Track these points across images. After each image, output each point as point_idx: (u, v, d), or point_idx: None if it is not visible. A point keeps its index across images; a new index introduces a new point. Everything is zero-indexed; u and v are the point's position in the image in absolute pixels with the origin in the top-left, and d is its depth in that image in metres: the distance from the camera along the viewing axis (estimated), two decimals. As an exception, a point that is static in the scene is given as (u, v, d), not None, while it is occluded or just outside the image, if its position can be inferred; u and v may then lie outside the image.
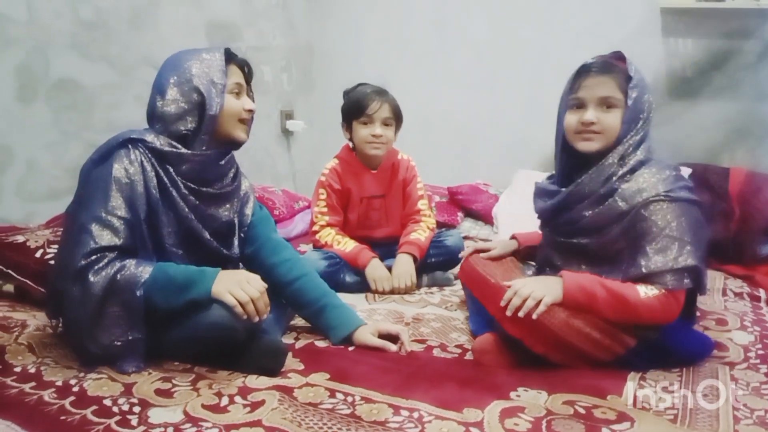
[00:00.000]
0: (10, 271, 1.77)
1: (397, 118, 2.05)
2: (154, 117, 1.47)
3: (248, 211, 1.64)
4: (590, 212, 1.46)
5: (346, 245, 2.05)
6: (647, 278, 1.38)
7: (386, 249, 2.10)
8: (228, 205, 1.57)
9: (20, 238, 1.83)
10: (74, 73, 2.24)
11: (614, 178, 1.44)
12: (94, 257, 1.33)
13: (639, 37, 2.62)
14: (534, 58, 2.91)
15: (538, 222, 1.68)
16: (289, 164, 3.27)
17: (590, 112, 1.44)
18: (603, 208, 1.44)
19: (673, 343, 1.42)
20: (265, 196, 2.62)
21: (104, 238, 1.35)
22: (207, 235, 1.52)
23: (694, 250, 1.38)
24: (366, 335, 1.54)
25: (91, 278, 1.32)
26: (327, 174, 2.10)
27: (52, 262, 1.65)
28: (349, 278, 2.00)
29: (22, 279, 1.76)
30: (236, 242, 1.60)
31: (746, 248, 2.21)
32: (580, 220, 1.48)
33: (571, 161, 1.53)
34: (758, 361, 1.48)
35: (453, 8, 3.05)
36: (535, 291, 1.36)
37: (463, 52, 3.06)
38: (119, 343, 1.35)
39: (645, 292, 1.37)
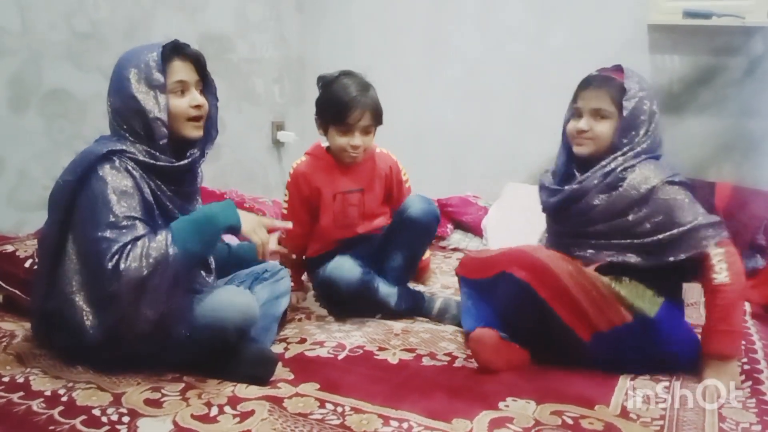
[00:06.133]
0: (-1, 281, 1.77)
1: (377, 121, 1.88)
2: (110, 123, 1.49)
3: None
4: (600, 201, 1.55)
5: None
6: (698, 247, 1.47)
7: (368, 244, 1.96)
8: (198, 197, 1.62)
9: (9, 248, 1.82)
10: (66, 83, 2.25)
11: (617, 171, 1.54)
12: (119, 252, 1.32)
13: (627, 53, 2.65)
14: (524, 72, 2.94)
15: (544, 215, 1.75)
16: (280, 175, 3.27)
17: (583, 121, 1.59)
18: (614, 196, 1.54)
19: (665, 327, 1.48)
20: (255, 207, 2.63)
21: (123, 237, 1.34)
22: None
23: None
24: None
25: (123, 266, 1.30)
26: (293, 174, 1.95)
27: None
28: (382, 287, 1.86)
29: (10, 289, 1.76)
30: None
31: (732, 261, 2.22)
32: (592, 209, 1.56)
33: (571, 160, 1.65)
34: (742, 377, 1.48)
35: (445, 23, 3.07)
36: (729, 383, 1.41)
37: (455, 66, 3.08)
38: (169, 309, 1.34)
39: (717, 277, 1.45)
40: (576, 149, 1.61)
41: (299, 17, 3.31)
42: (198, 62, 1.52)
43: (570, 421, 1.26)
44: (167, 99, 1.45)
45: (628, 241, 1.53)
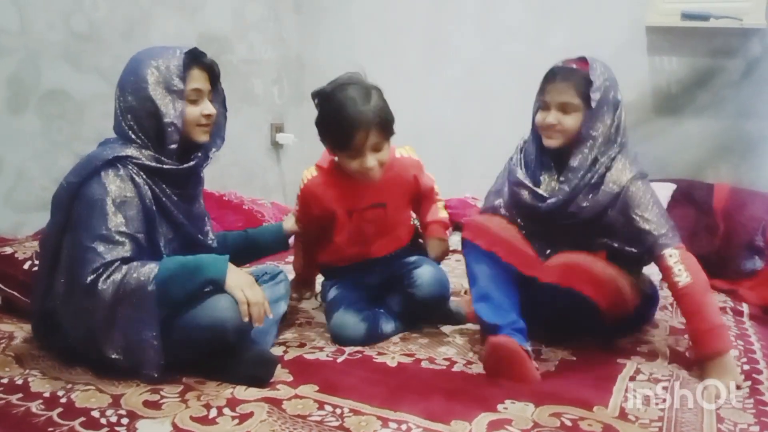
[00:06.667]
0: (-3, 283, 1.77)
1: (387, 133, 1.67)
2: (117, 121, 1.48)
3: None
4: (588, 202, 1.61)
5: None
6: (657, 249, 1.54)
7: (378, 272, 1.81)
8: (201, 200, 1.63)
9: (8, 250, 1.83)
10: (65, 83, 2.25)
11: (600, 170, 1.60)
12: (101, 269, 1.34)
13: (625, 55, 2.65)
14: (524, 72, 2.91)
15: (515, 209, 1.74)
16: (278, 177, 3.28)
17: (551, 115, 1.62)
18: (599, 194, 1.60)
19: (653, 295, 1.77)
20: (254, 209, 2.63)
21: (111, 253, 1.35)
22: (200, 236, 1.57)
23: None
24: None
25: (101, 286, 1.32)
26: (303, 190, 1.78)
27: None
28: (385, 327, 1.73)
29: (9, 291, 1.76)
30: (209, 231, 1.65)
31: (730, 263, 2.23)
32: (581, 212, 1.61)
33: (543, 151, 1.70)
34: (742, 376, 1.49)
35: (445, 23, 3.08)
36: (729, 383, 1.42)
37: (455, 66, 3.08)
38: (135, 344, 1.35)
39: (679, 280, 1.50)
40: (546, 142, 1.66)
41: (297, 17, 3.31)
42: (212, 71, 1.55)
43: (569, 423, 1.26)
44: (184, 106, 1.46)
45: (605, 240, 1.62)
